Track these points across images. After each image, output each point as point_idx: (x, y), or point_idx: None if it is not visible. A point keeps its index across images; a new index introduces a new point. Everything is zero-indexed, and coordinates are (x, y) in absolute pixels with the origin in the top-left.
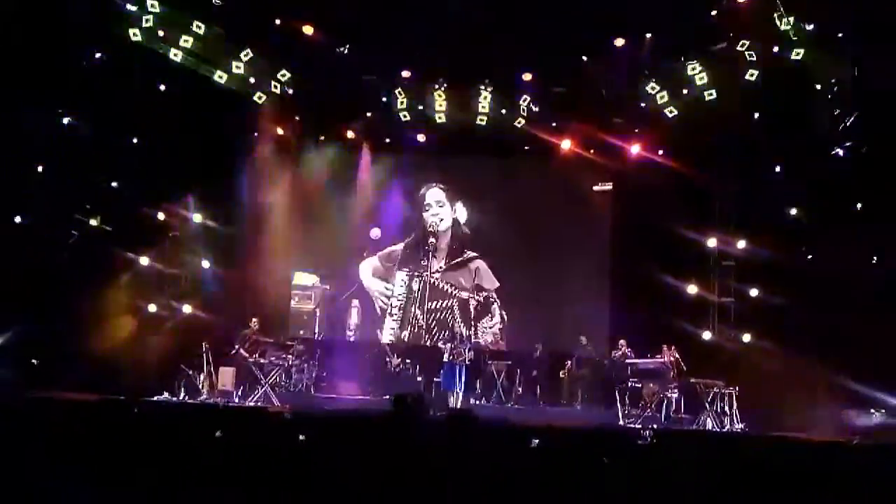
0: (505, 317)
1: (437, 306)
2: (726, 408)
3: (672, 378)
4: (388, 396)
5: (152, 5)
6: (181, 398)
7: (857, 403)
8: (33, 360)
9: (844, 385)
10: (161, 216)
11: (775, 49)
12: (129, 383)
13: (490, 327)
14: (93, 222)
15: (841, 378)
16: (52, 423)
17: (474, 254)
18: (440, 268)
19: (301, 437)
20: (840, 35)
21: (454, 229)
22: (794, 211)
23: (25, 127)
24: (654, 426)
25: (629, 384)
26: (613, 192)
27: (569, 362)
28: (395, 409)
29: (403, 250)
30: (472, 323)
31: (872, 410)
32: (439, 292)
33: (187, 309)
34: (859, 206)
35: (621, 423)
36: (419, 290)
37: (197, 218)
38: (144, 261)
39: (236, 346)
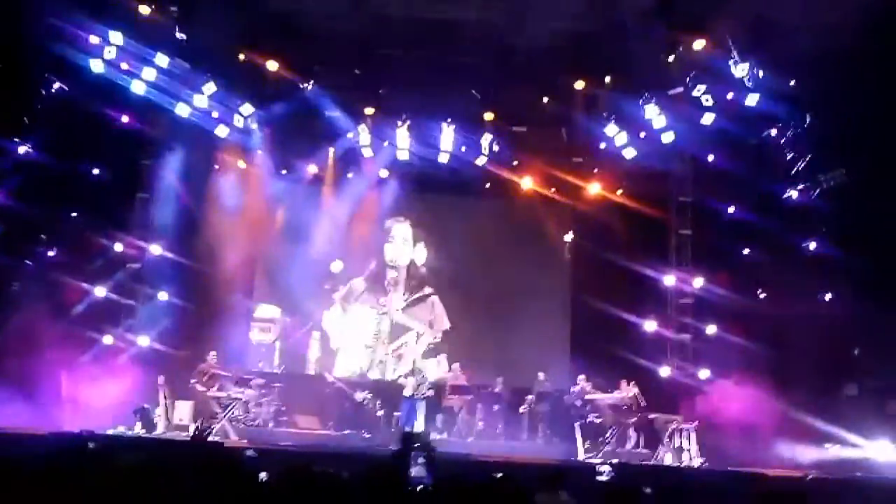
0: (451, 366)
1: (400, 343)
2: (685, 443)
3: (631, 413)
4: (348, 431)
5: (115, 37)
6: (137, 432)
7: (813, 438)
8: None
9: (800, 420)
10: (118, 247)
11: (730, 95)
12: (83, 416)
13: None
14: (49, 252)
15: (797, 413)
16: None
17: (431, 290)
18: (402, 305)
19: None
20: (792, 82)
21: (411, 266)
22: (747, 250)
23: None
24: (614, 461)
25: (589, 419)
26: (573, 229)
27: (529, 397)
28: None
29: (365, 283)
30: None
31: (827, 445)
32: (401, 328)
33: (144, 341)
34: (812, 245)
35: (581, 458)
36: (382, 326)
37: (155, 249)
38: (101, 291)
39: (193, 380)
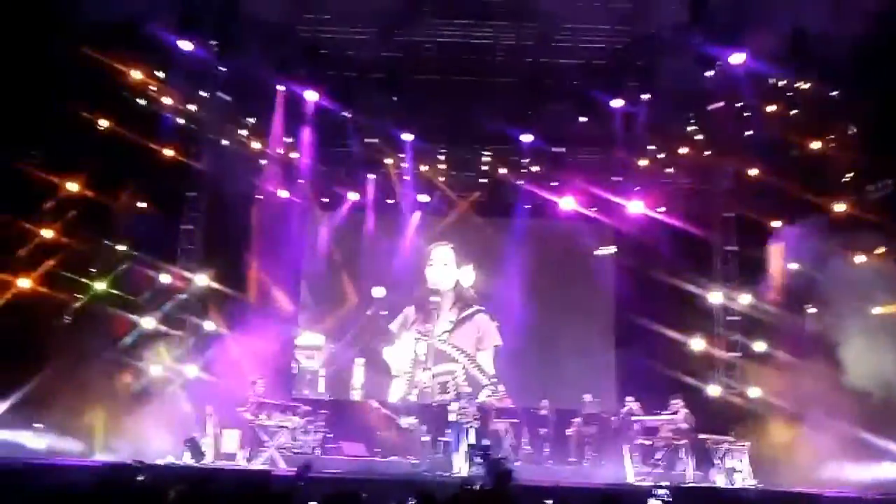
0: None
1: (441, 370)
2: (737, 464)
3: (681, 434)
4: (394, 457)
5: (158, 73)
6: (186, 462)
7: (871, 456)
8: (36, 425)
9: (857, 438)
10: (165, 278)
11: (771, 108)
12: (133, 447)
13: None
14: (98, 285)
15: (853, 431)
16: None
17: (478, 307)
18: (447, 329)
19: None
20: (833, 93)
21: (457, 290)
22: (794, 265)
23: (32, 189)
24: (667, 484)
25: (638, 441)
26: (616, 248)
27: (576, 419)
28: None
29: (415, 312)
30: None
31: (884, 464)
32: (443, 355)
33: (192, 371)
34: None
35: (631, 480)
36: (423, 353)
37: (201, 280)
38: (149, 323)
39: (241, 408)
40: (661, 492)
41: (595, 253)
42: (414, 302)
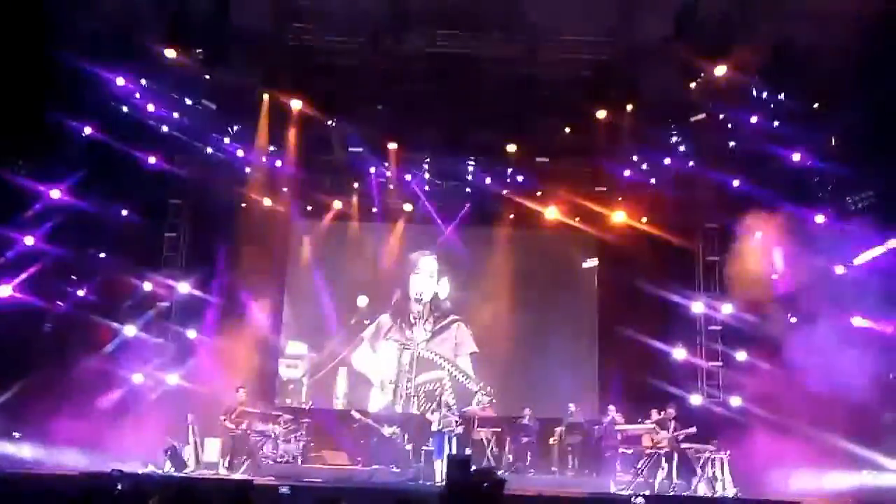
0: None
1: (427, 378)
2: (718, 472)
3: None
4: (377, 466)
5: (142, 80)
6: (166, 471)
7: (850, 465)
8: (14, 434)
9: (837, 447)
10: (148, 286)
11: (753, 119)
12: (113, 456)
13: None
14: (79, 293)
15: (833, 440)
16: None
17: (455, 316)
18: (425, 338)
19: None
20: (815, 105)
21: (434, 300)
22: (775, 276)
23: (14, 197)
24: (647, 493)
25: (620, 450)
26: (599, 258)
27: (558, 429)
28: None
29: (391, 319)
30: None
31: (865, 472)
32: (427, 363)
33: (173, 379)
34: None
35: (613, 490)
36: (407, 362)
37: (183, 288)
38: (131, 331)
39: (222, 417)
40: (638, 500)
41: (583, 266)
42: (391, 310)
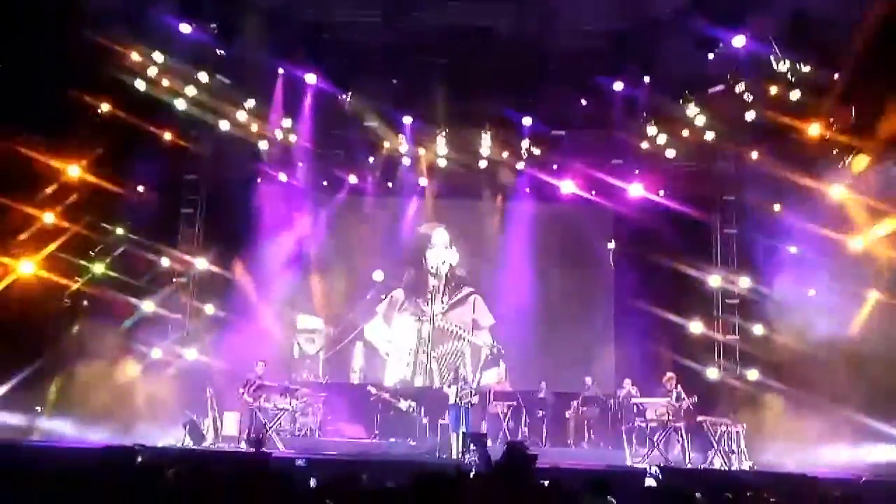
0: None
1: (445, 349)
2: (734, 446)
3: (679, 416)
4: (393, 439)
5: (157, 55)
6: (186, 444)
7: (866, 439)
8: (37, 408)
9: (853, 420)
10: (165, 262)
11: (773, 90)
12: (133, 430)
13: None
14: (97, 268)
15: (849, 413)
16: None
17: (471, 289)
18: (442, 309)
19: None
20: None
21: (449, 272)
22: (793, 248)
23: (32, 173)
24: (662, 465)
25: (636, 423)
26: (615, 231)
27: (574, 402)
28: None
29: (404, 293)
30: (479, 366)
31: (882, 446)
32: (445, 334)
33: (191, 354)
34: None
35: (629, 462)
36: (427, 334)
37: (201, 263)
38: (149, 306)
39: (241, 391)
40: (654, 472)
41: (608, 247)
42: (405, 284)
